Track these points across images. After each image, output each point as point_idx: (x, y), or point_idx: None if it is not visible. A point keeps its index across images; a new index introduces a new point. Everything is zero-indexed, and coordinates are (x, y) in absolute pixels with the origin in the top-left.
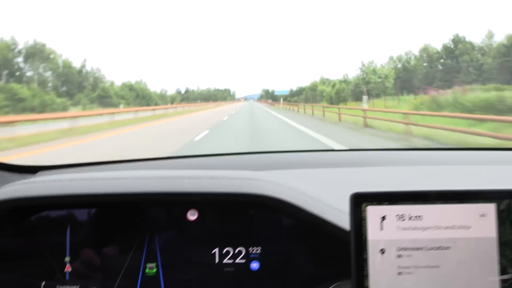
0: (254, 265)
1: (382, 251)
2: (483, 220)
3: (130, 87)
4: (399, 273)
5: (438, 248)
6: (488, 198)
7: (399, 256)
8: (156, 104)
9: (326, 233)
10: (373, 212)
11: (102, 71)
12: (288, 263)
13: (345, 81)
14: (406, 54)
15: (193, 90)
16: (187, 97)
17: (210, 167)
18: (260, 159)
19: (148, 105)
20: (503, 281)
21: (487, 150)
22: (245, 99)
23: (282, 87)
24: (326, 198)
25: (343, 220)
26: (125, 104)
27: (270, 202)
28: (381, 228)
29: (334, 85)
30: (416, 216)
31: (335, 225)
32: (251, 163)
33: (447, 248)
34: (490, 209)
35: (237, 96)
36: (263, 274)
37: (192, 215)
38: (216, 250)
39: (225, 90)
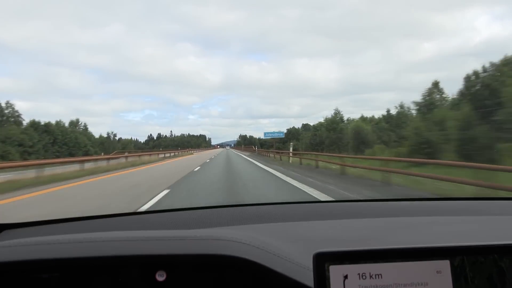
0: None
1: None
2: (439, 276)
3: (44, 129)
4: None
5: None
6: (442, 254)
7: None
8: (87, 152)
9: None
10: (335, 272)
11: (17, 106)
12: None
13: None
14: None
15: (165, 136)
16: (159, 144)
17: (180, 222)
18: (234, 212)
19: (71, 154)
20: None
21: (464, 200)
22: (222, 145)
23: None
24: (295, 255)
25: (309, 278)
26: (24, 154)
27: (237, 262)
28: (344, 287)
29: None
30: (376, 275)
31: (301, 283)
32: (225, 217)
33: None
34: (445, 265)
35: (213, 142)
36: None
37: (160, 276)
38: None
39: (200, 136)
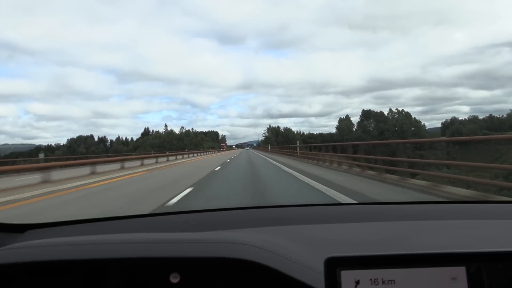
0: None
1: None
2: (455, 283)
3: None
4: None
5: None
6: (458, 261)
7: None
8: None
9: None
10: (347, 277)
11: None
12: None
13: None
14: None
15: (156, 132)
16: (143, 143)
17: (197, 224)
18: (251, 214)
19: None
20: None
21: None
22: (241, 146)
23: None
24: (308, 258)
25: (322, 282)
26: None
27: (248, 265)
28: None
29: None
30: (389, 281)
31: None
32: (241, 220)
33: None
34: (461, 272)
35: (233, 142)
36: None
37: (174, 278)
38: None
39: (208, 133)
